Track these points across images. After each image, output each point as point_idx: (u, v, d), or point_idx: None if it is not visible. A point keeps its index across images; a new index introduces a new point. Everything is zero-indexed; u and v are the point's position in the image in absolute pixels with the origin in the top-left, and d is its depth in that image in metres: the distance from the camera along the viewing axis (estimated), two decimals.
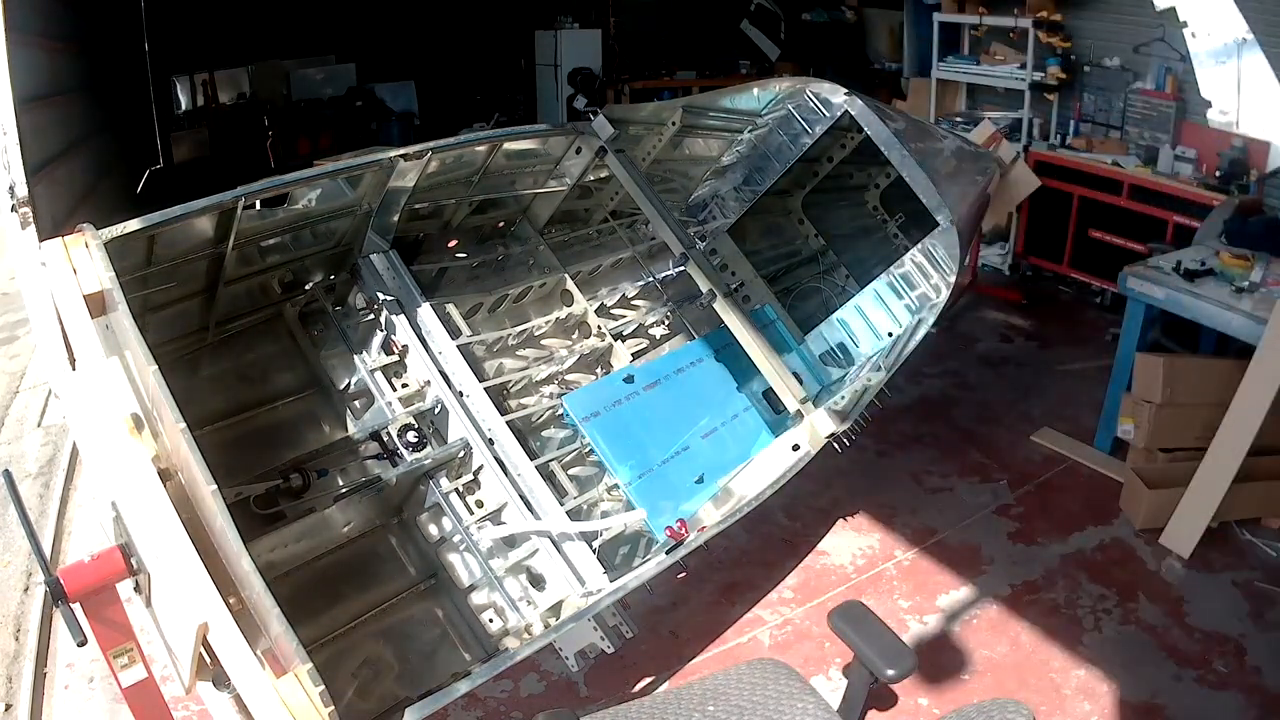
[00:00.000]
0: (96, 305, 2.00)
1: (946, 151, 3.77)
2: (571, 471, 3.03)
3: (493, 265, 3.37)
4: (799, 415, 3.21)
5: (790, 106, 3.44)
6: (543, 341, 3.34)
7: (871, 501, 3.64)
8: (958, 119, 6.21)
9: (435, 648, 2.58)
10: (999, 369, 4.91)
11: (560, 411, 3.04)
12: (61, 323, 1.98)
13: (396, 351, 2.86)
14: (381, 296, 2.86)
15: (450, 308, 3.05)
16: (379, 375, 2.84)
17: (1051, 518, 3.58)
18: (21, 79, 2.56)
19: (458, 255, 3.29)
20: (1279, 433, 3.29)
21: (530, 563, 2.69)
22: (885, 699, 2.61)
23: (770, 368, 3.23)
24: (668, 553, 2.64)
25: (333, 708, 1.61)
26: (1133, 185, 5.22)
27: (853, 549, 3.40)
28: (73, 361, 1.96)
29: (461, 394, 2.80)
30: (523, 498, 2.71)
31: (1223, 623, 3.01)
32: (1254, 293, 3.54)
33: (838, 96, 3.30)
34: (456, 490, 2.74)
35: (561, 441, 3.07)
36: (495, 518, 2.74)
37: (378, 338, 2.89)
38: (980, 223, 4.40)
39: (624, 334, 3.47)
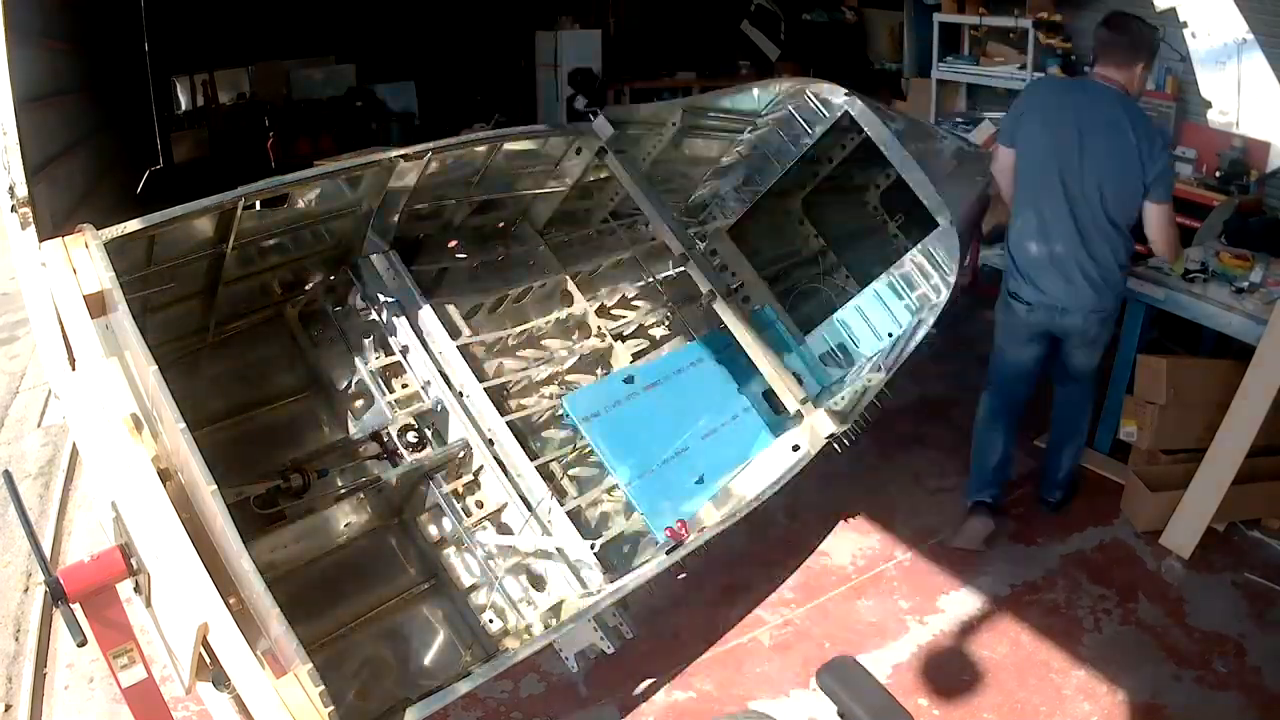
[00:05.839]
0: (96, 305, 2.00)
1: (946, 152, 3.77)
2: (572, 472, 3.03)
3: (493, 266, 3.37)
4: (799, 416, 3.21)
5: (790, 107, 3.45)
6: (543, 342, 3.34)
7: (871, 502, 3.64)
8: (958, 119, 6.20)
9: (435, 648, 2.58)
10: None
11: (560, 412, 3.04)
12: (61, 323, 1.98)
13: (396, 352, 2.86)
14: (381, 297, 2.86)
15: (450, 308, 3.05)
16: (379, 375, 2.84)
17: (1051, 518, 3.57)
18: (21, 79, 2.56)
19: (458, 256, 3.30)
20: (1279, 433, 3.29)
21: (530, 563, 2.69)
22: None
23: (770, 368, 3.23)
24: (668, 553, 2.64)
25: (333, 708, 1.61)
26: None
27: (853, 549, 3.40)
28: (73, 361, 1.96)
29: (461, 394, 2.80)
30: (523, 498, 2.71)
31: (1223, 623, 3.00)
32: (1254, 293, 3.54)
33: (838, 97, 3.31)
34: (456, 491, 2.74)
35: (561, 442, 3.07)
36: (495, 518, 2.74)
37: (378, 338, 2.90)
38: (980, 223, 4.40)
39: (624, 334, 3.47)
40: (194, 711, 2.55)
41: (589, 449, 2.99)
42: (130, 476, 1.75)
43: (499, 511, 2.74)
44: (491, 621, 2.61)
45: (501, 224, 3.45)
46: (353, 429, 2.82)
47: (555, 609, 2.57)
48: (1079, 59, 5.82)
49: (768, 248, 4.19)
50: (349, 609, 2.54)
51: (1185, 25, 4.97)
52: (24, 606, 3.14)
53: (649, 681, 2.77)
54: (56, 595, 1.69)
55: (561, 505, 2.72)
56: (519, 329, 3.21)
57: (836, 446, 3.15)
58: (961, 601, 3.12)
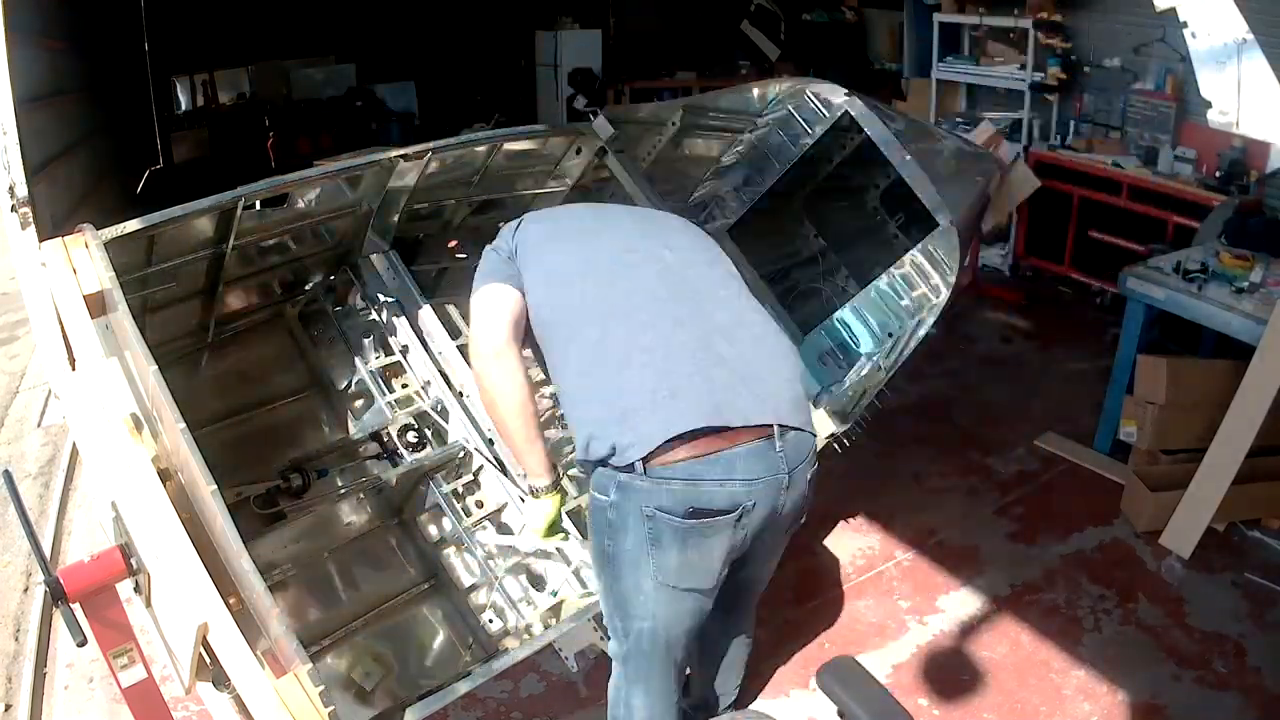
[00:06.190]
0: (96, 305, 2.00)
1: (946, 152, 3.76)
2: (572, 472, 3.02)
3: None
4: None
5: (790, 107, 3.44)
6: None
7: (871, 501, 3.64)
8: (958, 119, 6.20)
9: (435, 648, 2.58)
10: (999, 369, 4.90)
11: (560, 412, 3.04)
12: (61, 323, 1.98)
13: (396, 352, 2.86)
14: (381, 297, 2.86)
15: (450, 308, 3.04)
16: (379, 375, 2.84)
17: (1051, 518, 3.57)
18: (21, 79, 2.56)
19: (458, 256, 3.29)
20: (1279, 433, 3.29)
21: (530, 563, 2.69)
22: None
23: None
24: None
25: (333, 708, 1.61)
26: (1132, 186, 5.22)
27: (853, 549, 3.40)
28: (73, 361, 1.96)
29: (461, 394, 2.80)
30: (522, 498, 2.70)
31: (1223, 623, 3.00)
32: (1254, 293, 3.54)
33: (838, 97, 3.30)
34: (456, 491, 2.74)
35: (562, 442, 3.07)
36: (495, 518, 2.74)
37: (378, 338, 2.89)
38: (980, 223, 4.40)
39: None
40: (194, 711, 2.55)
41: None
42: (130, 476, 1.75)
43: (499, 511, 2.74)
44: (491, 621, 2.61)
45: (501, 224, 3.44)
46: (353, 429, 2.82)
47: (555, 609, 2.57)
48: (1079, 59, 5.82)
49: (768, 248, 4.18)
50: (349, 609, 2.54)
51: (1185, 25, 4.97)
52: (24, 606, 3.14)
53: None
54: (56, 595, 1.69)
55: (562, 505, 2.71)
56: None
57: (836, 446, 3.15)
58: (961, 601, 3.12)
